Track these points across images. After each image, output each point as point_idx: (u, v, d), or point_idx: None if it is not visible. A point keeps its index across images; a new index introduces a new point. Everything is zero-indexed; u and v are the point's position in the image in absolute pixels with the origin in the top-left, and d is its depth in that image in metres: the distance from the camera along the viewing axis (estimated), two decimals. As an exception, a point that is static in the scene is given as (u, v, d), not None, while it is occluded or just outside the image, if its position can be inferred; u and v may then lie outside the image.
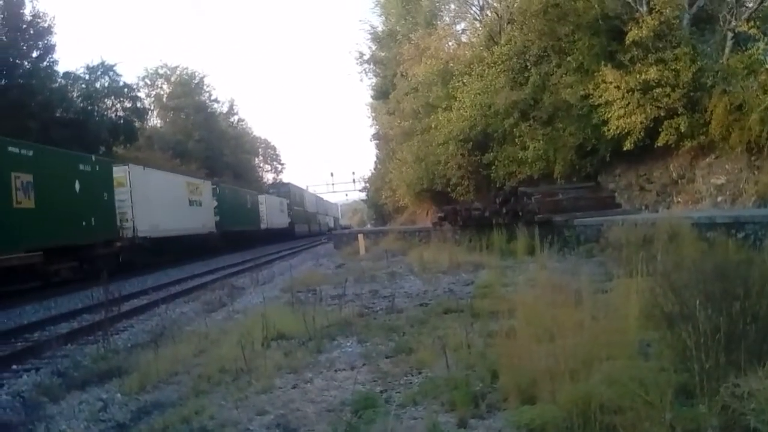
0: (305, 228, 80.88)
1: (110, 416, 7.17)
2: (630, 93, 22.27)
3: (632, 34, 22.17)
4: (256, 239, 55.49)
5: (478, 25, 40.16)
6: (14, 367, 10.45)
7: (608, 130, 22.96)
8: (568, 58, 25.62)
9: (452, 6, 44.78)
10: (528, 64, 28.59)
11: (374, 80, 57.49)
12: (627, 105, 22.38)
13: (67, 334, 12.93)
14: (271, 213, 63.19)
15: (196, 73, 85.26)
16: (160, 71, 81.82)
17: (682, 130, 21.43)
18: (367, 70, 56.99)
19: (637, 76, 21.97)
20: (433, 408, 5.70)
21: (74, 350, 11.47)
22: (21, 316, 16.45)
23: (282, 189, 76.70)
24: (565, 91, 25.13)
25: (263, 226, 59.58)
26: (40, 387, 8.88)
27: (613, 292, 8.18)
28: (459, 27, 44.42)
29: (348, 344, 8.77)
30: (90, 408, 7.52)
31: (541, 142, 26.62)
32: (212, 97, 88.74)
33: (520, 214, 20.65)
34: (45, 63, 45.56)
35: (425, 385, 6.29)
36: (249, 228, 53.96)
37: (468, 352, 7.10)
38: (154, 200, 31.37)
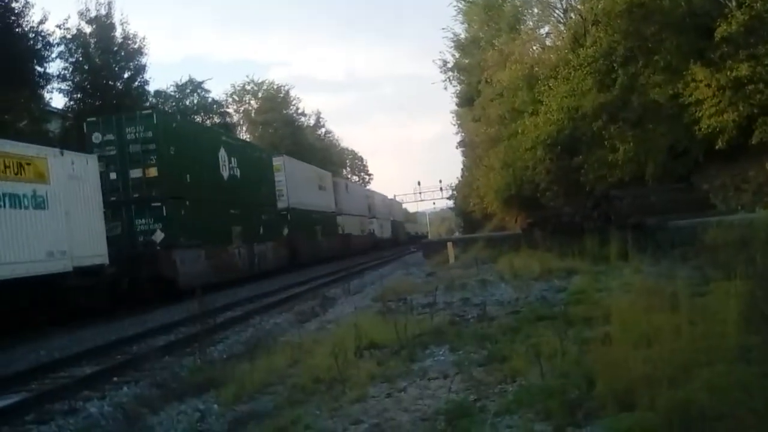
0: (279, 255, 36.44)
1: (208, 427, 7.31)
2: (721, 91, 21.74)
3: (721, 30, 21.62)
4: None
5: (562, 27, 39.69)
6: (115, 379, 10.70)
7: (699, 130, 22.44)
8: (656, 58, 25.11)
9: (535, 10, 44.27)
10: (615, 65, 28.11)
11: (458, 88, 57.33)
12: (718, 103, 21.85)
13: (164, 347, 13.23)
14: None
15: (282, 87, 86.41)
16: (247, 87, 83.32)
17: (778, 127, 20.82)
18: (451, 77, 56.75)
19: (728, 74, 21.43)
20: (528, 417, 5.63)
21: (172, 362, 11.70)
22: (120, 329, 16.88)
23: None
24: (654, 91, 24.66)
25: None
26: (140, 398, 9.09)
27: (710, 296, 7.99)
28: (543, 31, 43.88)
29: (440, 353, 8.74)
30: (188, 419, 7.66)
31: (631, 144, 26.11)
32: (299, 111, 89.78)
33: (612, 218, 20.34)
34: (136, 83, 46.87)
35: (520, 394, 6.22)
36: None
37: (562, 360, 6.99)
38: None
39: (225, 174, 30.05)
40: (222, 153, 30.06)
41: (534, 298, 13.07)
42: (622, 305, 8.24)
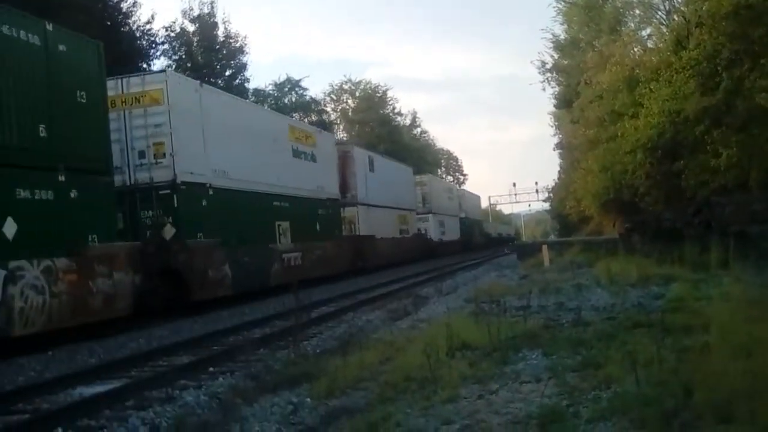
0: None
1: (300, 419, 7.39)
2: (832, 95, 21.00)
3: (833, 32, 20.89)
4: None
5: (664, 29, 38.87)
6: (211, 369, 10.95)
7: (808, 135, 21.73)
8: (762, 61, 24.34)
9: (637, 11, 43.44)
10: (719, 68, 27.33)
11: (557, 89, 56.66)
12: (829, 108, 21.10)
13: (259, 340, 13.46)
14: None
15: (380, 87, 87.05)
16: (345, 86, 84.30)
17: None
18: (549, 78, 56.07)
19: (841, 76, 20.68)
20: (623, 425, 5.55)
21: (266, 355, 11.90)
22: (217, 321, 17.25)
23: None
24: (760, 95, 23.94)
25: None
26: (235, 389, 9.27)
27: (817, 308, 7.73)
28: (644, 32, 43.03)
29: (533, 356, 8.67)
30: (281, 411, 7.77)
31: (735, 149, 25.36)
32: (395, 110, 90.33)
33: (713, 224, 19.85)
34: (237, 81, 47.94)
35: (614, 401, 6.13)
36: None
37: (659, 368, 6.86)
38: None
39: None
40: None
41: (630, 304, 12.82)
42: (722, 314, 8.07)
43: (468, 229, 69.55)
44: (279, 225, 25.62)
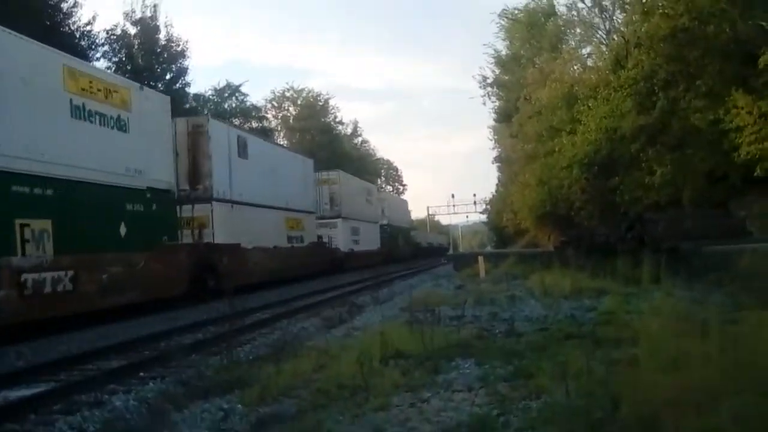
0: None
1: (231, 426, 7.30)
2: (762, 118, 21.49)
3: (765, 58, 21.41)
4: None
5: (604, 48, 39.61)
6: (141, 374, 10.78)
7: (739, 156, 22.22)
8: (697, 83, 24.89)
9: (578, 30, 44.31)
10: (655, 88, 27.88)
11: (497, 103, 57.36)
12: (759, 131, 21.58)
13: (191, 345, 13.29)
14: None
15: (322, 96, 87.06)
16: (287, 94, 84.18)
17: (819, 157, 20.56)
18: (490, 93, 56.76)
19: (770, 101, 21.20)
20: (551, 434, 5.61)
21: (198, 361, 11.75)
22: (149, 326, 17.01)
23: None
24: (694, 116, 24.46)
25: None
26: (165, 394, 9.14)
27: (743, 324, 7.89)
28: (584, 51, 43.93)
29: (466, 366, 8.71)
30: (212, 417, 7.67)
31: (669, 167, 25.87)
32: (337, 119, 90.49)
33: (646, 240, 20.20)
34: (177, 85, 47.61)
35: (544, 411, 6.20)
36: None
37: (588, 380, 6.94)
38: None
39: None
40: None
41: (563, 316, 13.01)
42: (652, 328, 8.19)
43: (391, 238, 61.36)
44: (24, 226, 15.20)
